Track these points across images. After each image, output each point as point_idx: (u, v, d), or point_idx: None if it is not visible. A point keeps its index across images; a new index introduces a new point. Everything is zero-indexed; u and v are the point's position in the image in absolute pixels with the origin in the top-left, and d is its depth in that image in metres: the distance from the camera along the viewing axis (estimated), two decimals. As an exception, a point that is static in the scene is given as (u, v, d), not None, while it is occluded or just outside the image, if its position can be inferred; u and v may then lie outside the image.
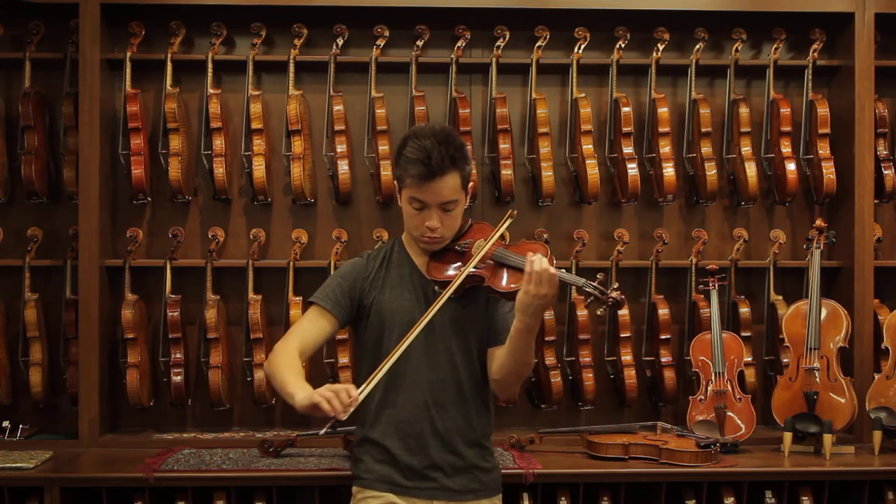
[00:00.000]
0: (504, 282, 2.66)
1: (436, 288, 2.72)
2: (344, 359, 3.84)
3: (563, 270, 2.59)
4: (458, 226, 2.77)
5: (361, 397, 2.50)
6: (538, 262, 2.51)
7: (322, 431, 2.52)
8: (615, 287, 2.57)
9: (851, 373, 3.89)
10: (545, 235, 4.04)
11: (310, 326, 2.77)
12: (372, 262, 2.83)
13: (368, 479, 2.77)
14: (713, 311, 3.88)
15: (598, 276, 2.62)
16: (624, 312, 3.98)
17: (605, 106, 4.15)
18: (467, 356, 2.76)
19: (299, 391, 2.55)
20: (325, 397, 2.44)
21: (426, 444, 2.73)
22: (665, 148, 4.02)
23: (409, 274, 2.79)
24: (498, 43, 4.03)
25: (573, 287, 2.63)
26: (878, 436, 3.72)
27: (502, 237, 2.77)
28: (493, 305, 2.78)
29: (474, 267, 2.67)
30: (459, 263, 2.73)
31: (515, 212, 2.80)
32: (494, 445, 3.69)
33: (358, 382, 2.58)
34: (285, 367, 2.65)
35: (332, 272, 3.92)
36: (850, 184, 4.01)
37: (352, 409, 2.47)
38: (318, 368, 3.90)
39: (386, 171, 3.89)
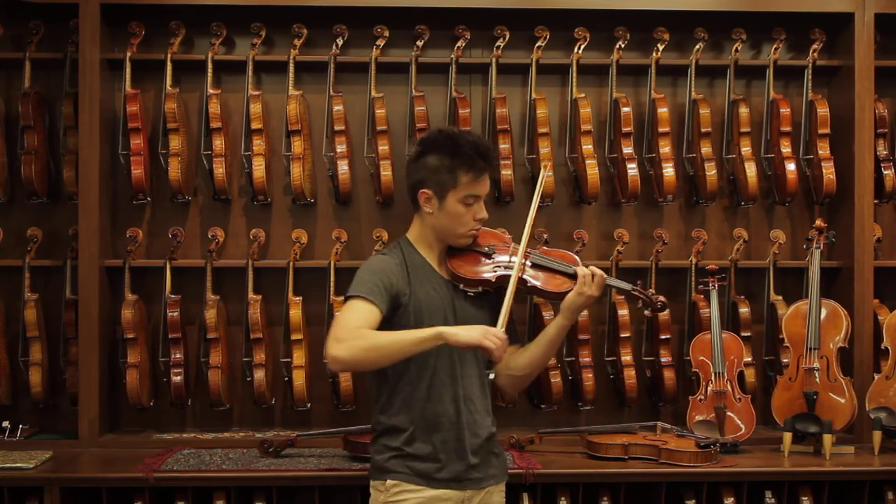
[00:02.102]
0: (545, 283, 2.93)
1: (460, 286, 2.87)
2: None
3: (611, 276, 2.92)
4: None
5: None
6: (591, 268, 2.84)
7: (491, 374, 2.82)
8: (653, 292, 2.96)
9: (851, 373, 3.89)
10: (545, 235, 4.04)
11: (364, 314, 2.74)
12: (396, 259, 2.88)
13: (403, 473, 2.82)
14: (713, 311, 3.88)
15: (637, 282, 3.01)
16: (624, 312, 3.98)
17: (604, 106, 4.15)
18: (482, 353, 2.82)
19: (434, 329, 2.68)
20: (492, 340, 2.64)
21: (460, 437, 2.82)
22: (665, 148, 4.02)
23: (431, 273, 2.89)
24: (498, 43, 4.03)
25: (613, 290, 2.98)
26: (877, 436, 3.72)
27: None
28: (498, 307, 2.86)
29: (523, 269, 2.89)
30: (493, 264, 2.90)
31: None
32: (494, 445, 3.75)
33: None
34: (379, 334, 2.70)
35: (332, 272, 3.93)
36: (850, 184, 4.01)
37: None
38: (319, 367, 3.90)
39: (386, 172, 3.90)
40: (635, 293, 2.95)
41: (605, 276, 2.85)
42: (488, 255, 2.91)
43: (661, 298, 2.92)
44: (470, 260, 2.90)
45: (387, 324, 2.80)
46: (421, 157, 2.86)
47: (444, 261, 2.91)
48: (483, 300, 2.91)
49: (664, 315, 3.99)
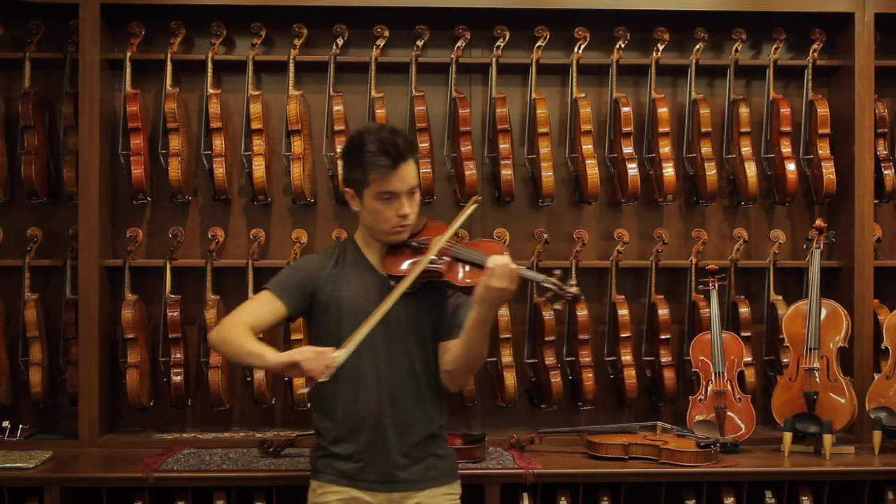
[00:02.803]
0: (461, 276, 2.75)
1: (391, 283, 2.77)
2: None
3: (524, 267, 2.67)
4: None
5: (340, 361, 2.61)
6: (499, 257, 2.62)
7: (307, 389, 2.65)
8: (573, 283, 2.66)
9: (851, 373, 3.89)
10: (545, 235, 4.04)
11: (261, 309, 2.84)
12: (328, 259, 2.88)
13: (328, 474, 2.81)
14: (713, 311, 3.88)
15: (555, 271, 2.71)
16: (624, 312, 3.98)
17: (604, 106, 4.15)
18: (423, 350, 2.81)
19: (268, 350, 2.72)
20: (307, 357, 2.60)
21: (385, 438, 2.77)
22: (665, 148, 4.02)
23: (366, 271, 2.84)
24: (498, 43, 4.03)
25: (534, 284, 2.76)
26: (877, 436, 3.72)
27: (458, 236, 2.86)
28: (445, 301, 2.84)
29: (431, 262, 2.74)
30: (417, 259, 2.78)
31: (474, 206, 2.86)
32: (494, 445, 3.76)
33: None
34: (241, 335, 2.76)
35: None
36: (850, 184, 4.01)
37: (331, 372, 2.60)
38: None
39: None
40: (546, 285, 2.66)
41: (513, 266, 2.60)
42: (418, 251, 2.81)
43: (573, 290, 2.62)
44: (401, 256, 2.82)
45: (309, 321, 2.87)
46: (341, 159, 2.87)
47: (383, 258, 2.85)
48: (419, 298, 2.80)
49: (664, 315, 3.99)
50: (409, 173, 2.75)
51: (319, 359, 2.59)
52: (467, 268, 2.76)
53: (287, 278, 2.88)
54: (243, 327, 2.77)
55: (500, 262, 2.60)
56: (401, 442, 2.78)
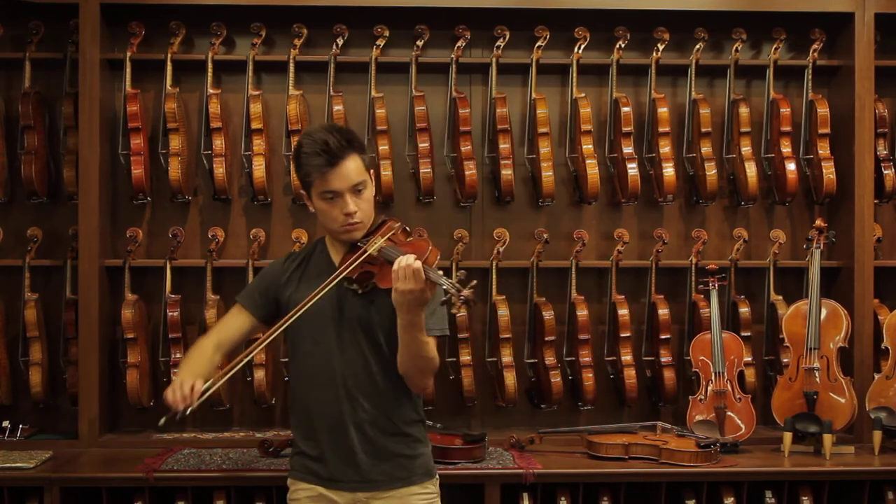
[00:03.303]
0: (385, 278, 2.66)
1: (345, 283, 2.74)
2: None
3: (436, 269, 2.58)
4: (373, 212, 2.79)
5: (199, 394, 2.63)
6: (405, 258, 2.56)
7: (161, 421, 2.64)
8: (471, 286, 2.51)
9: (851, 373, 3.89)
10: (545, 235, 4.04)
11: (229, 322, 2.92)
12: (291, 262, 2.89)
13: (298, 472, 2.83)
14: (713, 311, 3.88)
15: (459, 273, 2.60)
16: (624, 312, 3.98)
17: (605, 106, 4.15)
18: (377, 349, 2.77)
19: (179, 377, 2.71)
20: (171, 389, 2.65)
21: (346, 437, 2.75)
22: (665, 148, 4.02)
23: (325, 271, 2.79)
24: (498, 43, 4.03)
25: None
26: (878, 436, 3.72)
27: (407, 233, 2.81)
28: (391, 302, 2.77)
29: (366, 260, 2.69)
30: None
31: (398, 224, 2.80)
32: (494, 445, 3.75)
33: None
34: (188, 358, 2.85)
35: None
36: (850, 184, 4.01)
37: (192, 404, 2.61)
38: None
39: (386, 171, 3.90)
40: (444, 287, 2.51)
41: (416, 266, 2.52)
42: (358, 250, 2.75)
43: (465, 294, 2.46)
44: (350, 256, 2.77)
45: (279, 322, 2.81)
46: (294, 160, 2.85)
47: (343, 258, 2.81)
48: (372, 298, 2.74)
49: (664, 315, 3.99)
50: (349, 171, 2.69)
51: (178, 391, 2.63)
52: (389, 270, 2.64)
53: (251, 287, 2.98)
54: (203, 349, 2.84)
55: (402, 262, 2.54)
56: (364, 441, 2.75)
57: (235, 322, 2.90)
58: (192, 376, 2.68)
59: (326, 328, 2.75)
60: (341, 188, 2.70)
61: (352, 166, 2.70)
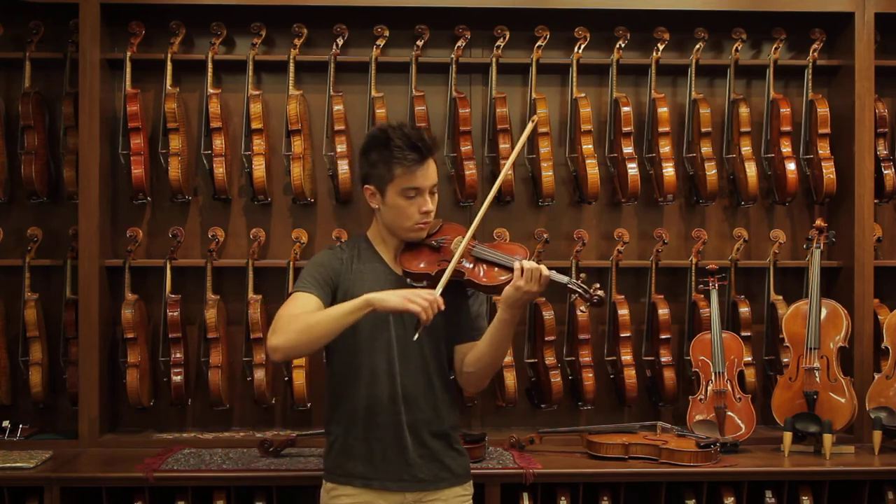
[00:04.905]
0: (481, 276, 2.76)
1: (408, 280, 2.77)
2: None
3: (553, 271, 2.71)
4: None
5: (442, 286, 2.64)
6: (527, 262, 2.67)
7: (416, 336, 2.62)
8: (597, 286, 2.73)
9: (851, 373, 3.89)
10: (545, 235, 4.04)
11: (308, 304, 2.72)
12: (344, 255, 2.85)
13: (341, 476, 2.79)
14: (713, 310, 3.88)
15: (581, 274, 2.80)
16: (624, 312, 3.98)
17: (605, 106, 4.15)
18: (436, 351, 2.80)
19: (363, 298, 2.58)
20: (418, 303, 2.54)
21: (398, 437, 2.75)
22: (665, 148, 4.02)
23: (381, 269, 2.82)
24: (498, 43, 4.03)
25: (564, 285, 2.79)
26: (878, 436, 3.72)
27: (474, 238, 2.85)
28: (463, 303, 2.83)
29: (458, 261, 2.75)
30: (439, 258, 2.79)
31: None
32: (494, 445, 3.76)
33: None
34: (316, 314, 2.65)
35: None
36: (850, 184, 4.01)
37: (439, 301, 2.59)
38: (319, 367, 3.90)
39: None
40: (571, 286, 2.72)
41: (544, 271, 2.66)
42: (437, 250, 2.82)
43: (599, 293, 2.70)
44: (419, 255, 2.82)
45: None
46: (362, 155, 2.83)
47: (398, 256, 2.84)
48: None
49: (664, 315, 3.99)
50: (433, 170, 2.76)
51: (429, 305, 2.55)
52: (486, 268, 2.77)
53: (314, 276, 2.79)
54: (301, 314, 2.67)
55: (527, 265, 2.65)
56: (416, 441, 2.76)
57: (314, 305, 2.71)
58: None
59: (386, 326, 2.73)
60: (424, 186, 2.74)
61: (433, 166, 2.77)
